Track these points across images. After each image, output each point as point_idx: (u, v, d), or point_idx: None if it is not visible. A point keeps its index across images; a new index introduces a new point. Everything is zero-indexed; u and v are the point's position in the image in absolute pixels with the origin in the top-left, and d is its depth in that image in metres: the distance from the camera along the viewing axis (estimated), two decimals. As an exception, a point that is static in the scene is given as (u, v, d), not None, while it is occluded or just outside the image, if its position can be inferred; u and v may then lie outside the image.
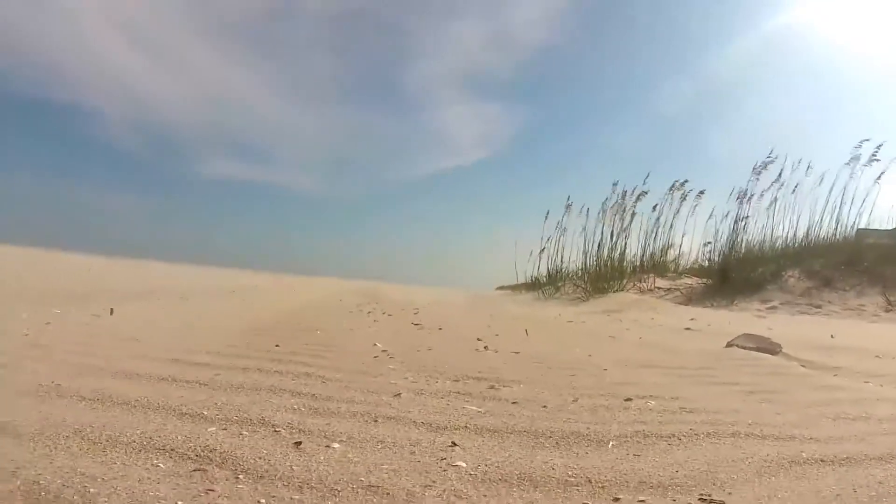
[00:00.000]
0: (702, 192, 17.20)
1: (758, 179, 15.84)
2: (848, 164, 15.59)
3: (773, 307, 12.43)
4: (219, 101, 47.69)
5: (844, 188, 15.83)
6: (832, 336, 8.01)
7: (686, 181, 17.44)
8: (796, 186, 15.99)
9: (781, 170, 15.98)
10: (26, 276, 12.11)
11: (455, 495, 1.80)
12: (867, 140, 15.61)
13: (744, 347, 5.87)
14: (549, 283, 17.10)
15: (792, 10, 32.13)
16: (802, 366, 5.27)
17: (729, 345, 6.09)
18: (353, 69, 45.51)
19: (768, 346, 5.82)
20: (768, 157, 15.87)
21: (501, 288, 20.77)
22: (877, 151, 15.16)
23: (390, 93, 47.47)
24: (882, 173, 15.30)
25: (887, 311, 11.80)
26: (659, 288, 14.97)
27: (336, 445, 2.20)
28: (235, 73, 44.92)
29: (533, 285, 17.83)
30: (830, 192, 16.06)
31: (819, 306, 12.33)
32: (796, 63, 36.85)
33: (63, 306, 6.44)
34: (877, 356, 6.17)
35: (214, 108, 48.55)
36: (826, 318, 11.34)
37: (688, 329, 8.83)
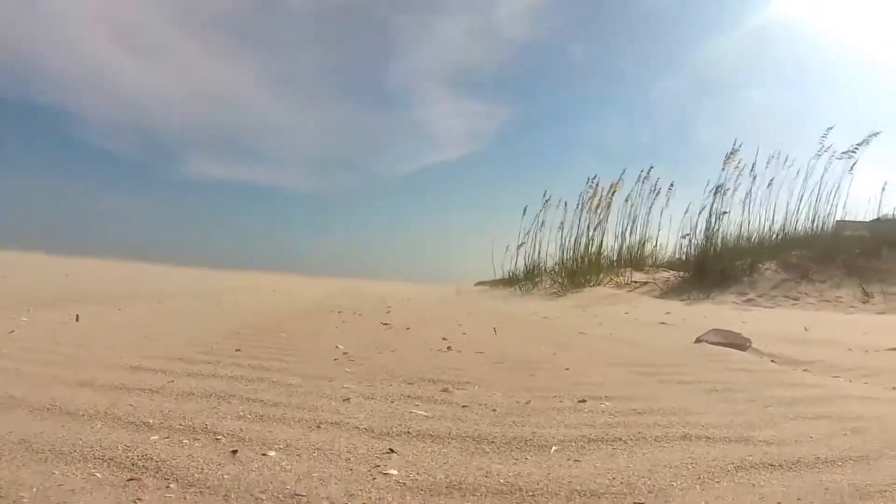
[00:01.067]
0: (672, 185, 17.24)
1: (729, 171, 15.84)
2: (819, 155, 15.65)
3: (750, 300, 12.42)
4: (206, 99, 47.32)
5: (820, 179, 15.89)
6: (806, 329, 7.98)
7: (652, 167, 17.48)
8: (772, 179, 16.05)
9: (757, 163, 16.02)
10: (3, 280, 11.92)
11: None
12: (832, 127, 15.73)
13: (713, 343, 5.80)
14: (526, 279, 17.05)
15: (780, 4, 32.17)
16: (772, 360, 5.22)
17: (698, 340, 6.02)
18: (339, 65, 45.29)
19: (737, 342, 5.76)
20: (734, 147, 15.89)
21: (481, 283, 20.69)
22: (858, 146, 15.22)
23: (375, 89, 47.29)
24: (854, 163, 15.35)
25: (864, 302, 11.81)
26: (636, 282, 14.93)
27: (272, 453, 2.15)
28: (222, 71, 44.57)
29: (511, 281, 17.78)
30: (805, 183, 16.09)
31: (796, 298, 12.33)
32: (783, 56, 36.96)
33: (33, 312, 6.32)
34: (849, 349, 6.12)
35: (201, 107, 48.17)
36: (802, 311, 11.33)
37: (662, 323, 8.79)
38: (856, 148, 15.27)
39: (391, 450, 2.26)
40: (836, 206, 15.92)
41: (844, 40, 31.47)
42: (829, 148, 15.54)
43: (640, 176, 17.51)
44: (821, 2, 31.98)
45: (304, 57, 44.17)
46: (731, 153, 15.78)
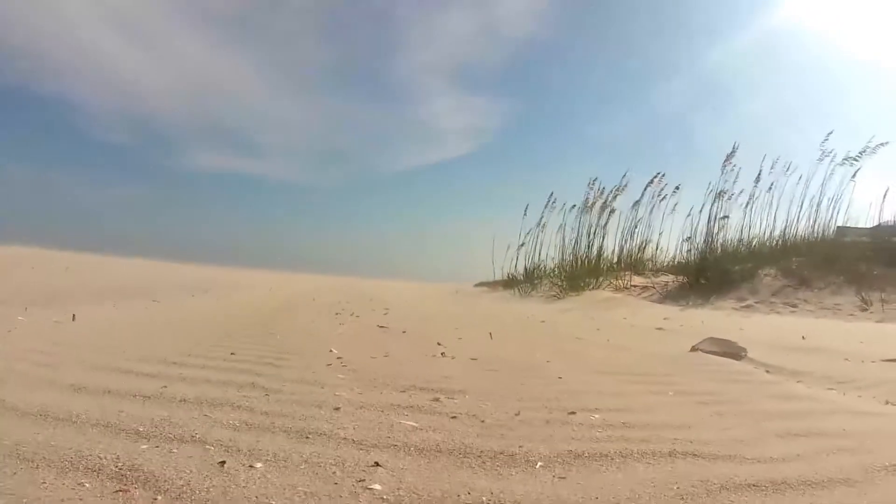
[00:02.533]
0: (677, 187, 17.18)
1: (730, 176, 15.80)
2: (820, 160, 15.61)
3: (749, 306, 12.40)
4: (205, 90, 47.18)
5: (822, 185, 15.86)
6: (803, 337, 7.95)
7: (663, 174, 17.42)
8: (773, 184, 16.00)
9: (758, 167, 15.99)
10: (2, 276, 11.94)
11: None
12: (831, 132, 15.72)
13: (708, 352, 5.79)
14: (526, 281, 17.04)
15: (787, 8, 32.02)
16: (767, 371, 5.21)
17: (693, 349, 6.02)
18: (340, 58, 45.11)
19: (733, 350, 5.75)
20: (732, 150, 15.85)
21: (480, 284, 20.66)
22: (859, 155, 15.17)
23: (377, 83, 47.07)
24: (857, 170, 15.31)
25: (863, 310, 11.78)
26: (635, 286, 14.92)
27: (259, 465, 2.16)
28: (222, 62, 44.42)
29: (510, 282, 17.75)
30: (806, 189, 16.05)
31: (795, 305, 12.30)
32: (789, 62, 36.81)
33: (30, 311, 6.39)
34: (845, 359, 6.10)
35: (202, 99, 48.05)
36: (801, 318, 11.30)
37: (659, 329, 8.78)
38: (859, 155, 15.22)
39: (377, 463, 2.26)
40: (838, 212, 15.89)
41: (850, 47, 31.38)
42: (831, 153, 15.50)
43: (649, 181, 17.44)
44: (827, 9, 31.85)
45: (305, 49, 44.08)
46: (730, 154, 15.75)
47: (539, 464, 2.37)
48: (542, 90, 45.67)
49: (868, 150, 15.20)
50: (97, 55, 39.80)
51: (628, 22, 40.91)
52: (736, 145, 15.91)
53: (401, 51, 45.47)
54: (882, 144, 15.13)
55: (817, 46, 34.40)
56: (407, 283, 26.11)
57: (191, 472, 2.03)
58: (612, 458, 2.46)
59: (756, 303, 12.57)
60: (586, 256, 16.86)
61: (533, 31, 41.33)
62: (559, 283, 15.50)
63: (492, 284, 19.12)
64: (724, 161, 15.73)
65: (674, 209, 17.03)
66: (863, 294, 12.27)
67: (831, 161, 15.54)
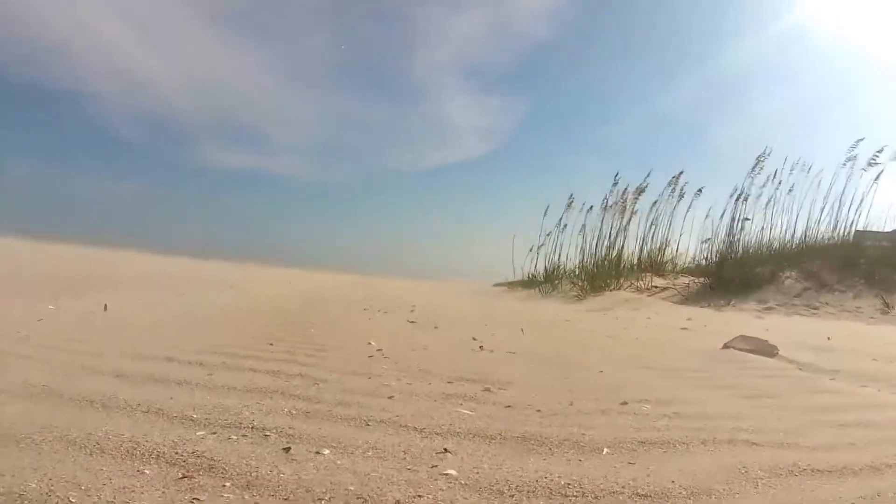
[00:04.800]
0: (700, 190, 17.11)
1: (753, 179, 15.76)
2: (844, 164, 15.52)
3: (770, 308, 12.39)
4: (222, 88, 47.32)
5: (843, 189, 15.78)
6: (828, 338, 7.97)
7: (682, 172, 17.34)
8: (792, 186, 15.91)
9: (779, 170, 15.86)
10: (23, 268, 12.07)
11: None
12: (862, 139, 15.50)
13: (740, 349, 5.84)
14: (546, 281, 17.05)
15: (803, 9, 31.81)
16: (800, 368, 5.24)
17: (725, 346, 6.06)
18: (354, 56, 45.15)
19: (765, 349, 5.79)
20: (762, 154, 15.77)
21: (499, 284, 20.67)
22: (878, 154, 15.08)
23: (391, 81, 47.04)
24: (880, 173, 15.23)
25: (884, 313, 11.77)
26: (656, 287, 14.91)
27: (326, 452, 2.17)
28: (235, 59, 44.54)
29: (530, 282, 17.76)
30: (829, 192, 15.97)
31: (816, 308, 12.30)
32: (805, 62, 36.57)
33: (57, 301, 6.41)
34: (874, 359, 6.13)
35: (217, 96, 48.19)
36: (822, 320, 11.30)
37: (684, 329, 8.81)
38: (876, 157, 15.10)
39: (445, 449, 2.30)
40: (858, 215, 15.81)
41: (866, 47, 31.18)
42: (853, 157, 15.41)
43: (669, 181, 17.35)
44: (843, 9, 31.66)
45: (319, 48, 44.13)
46: (761, 158, 15.67)
47: (605, 450, 2.43)
48: (557, 90, 45.60)
49: (886, 151, 15.08)
50: (112, 51, 40.03)
51: (643, 22, 40.80)
52: (767, 150, 15.84)
53: (415, 50, 45.46)
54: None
55: (836, 47, 34.21)
56: (423, 281, 26.12)
57: (256, 458, 2.01)
58: (675, 445, 2.53)
59: (777, 305, 12.56)
60: (607, 257, 16.85)
61: (548, 31, 41.32)
62: (580, 284, 15.51)
63: (510, 284, 19.13)
64: (754, 165, 15.66)
65: (689, 208, 16.95)
66: (884, 297, 12.26)
67: (853, 164, 15.46)
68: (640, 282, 15.49)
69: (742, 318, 10.90)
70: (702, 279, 14.83)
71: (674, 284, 14.95)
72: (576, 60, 43.87)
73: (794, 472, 2.24)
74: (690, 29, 40.93)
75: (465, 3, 41.15)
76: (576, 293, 14.89)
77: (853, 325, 10.88)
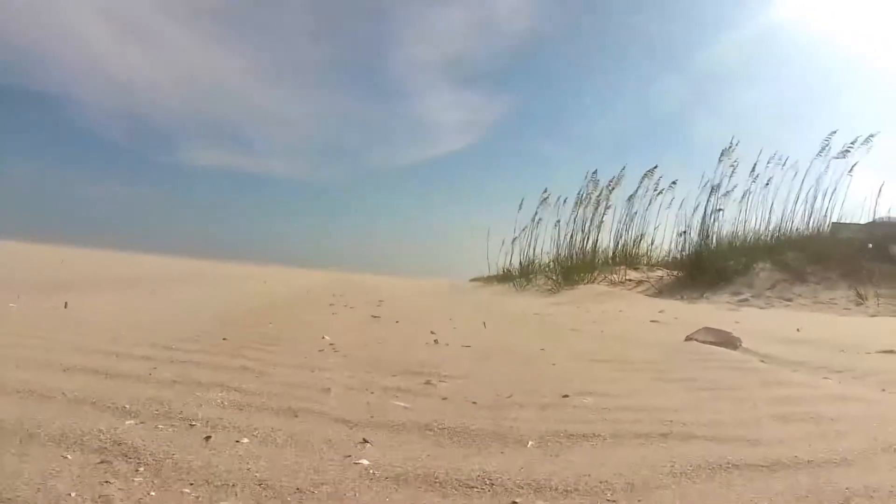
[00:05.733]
0: (674, 182, 17.13)
1: (723, 170, 15.76)
2: (819, 155, 15.55)
3: (744, 300, 12.38)
4: (199, 87, 47.18)
5: (817, 180, 15.81)
6: (798, 330, 7.92)
7: (656, 166, 17.38)
8: (769, 179, 15.96)
9: (755, 163, 15.95)
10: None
11: (344, 493, 1.76)
12: (836, 132, 15.55)
13: (703, 341, 5.75)
14: (521, 275, 17.00)
15: (784, 6, 31.93)
16: (762, 361, 5.16)
17: (688, 339, 5.97)
18: (335, 55, 45.11)
19: (728, 340, 5.71)
20: (729, 146, 15.80)
21: (475, 279, 20.63)
22: (851, 146, 15.13)
23: (373, 79, 47.13)
24: (854, 165, 15.26)
25: (858, 305, 11.77)
26: (630, 280, 14.89)
27: (245, 441, 2.16)
28: (218, 59, 44.50)
29: (506, 277, 17.72)
30: (802, 184, 16.00)
31: (790, 299, 12.29)
32: (784, 58, 36.82)
33: (22, 299, 6.35)
34: (841, 350, 6.07)
35: (197, 95, 48.10)
36: (796, 312, 11.28)
37: (654, 321, 8.73)
38: (850, 146, 15.15)
39: (365, 440, 2.25)
40: (833, 207, 15.85)
41: (845, 44, 31.43)
42: (827, 149, 15.45)
43: (643, 174, 17.41)
44: (823, 7, 31.87)
45: (300, 46, 44.10)
46: (728, 150, 15.70)
47: (530, 443, 2.33)
48: (538, 86, 45.79)
49: (859, 141, 15.13)
50: (93, 53, 39.85)
51: (624, 18, 40.96)
52: (734, 140, 15.87)
53: (396, 46, 45.55)
54: (872, 135, 15.08)
55: (814, 44, 34.47)
56: (402, 278, 26.12)
57: (175, 446, 2.02)
58: (605, 439, 2.42)
59: (751, 297, 12.55)
60: (581, 251, 16.83)
61: (529, 27, 41.42)
62: (554, 278, 15.47)
63: (486, 279, 19.11)
64: (721, 155, 15.68)
65: (670, 204, 17.01)
66: (857, 289, 12.26)
67: (826, 156, 15.49)
68: (615, 275, 15.47)
69: (714, 311, 10.87)
70: (676, 272, 14.81)
71: (648, 278, 14.94)
72: (557, 55, 43.98)
73: (725, 467, 2.12)
74: (671, 25, 41.09)
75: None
76: (549, 287, 14.85)
77: (826, 316, 10.86)
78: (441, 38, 42.36)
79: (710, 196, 15.58)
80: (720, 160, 15.70)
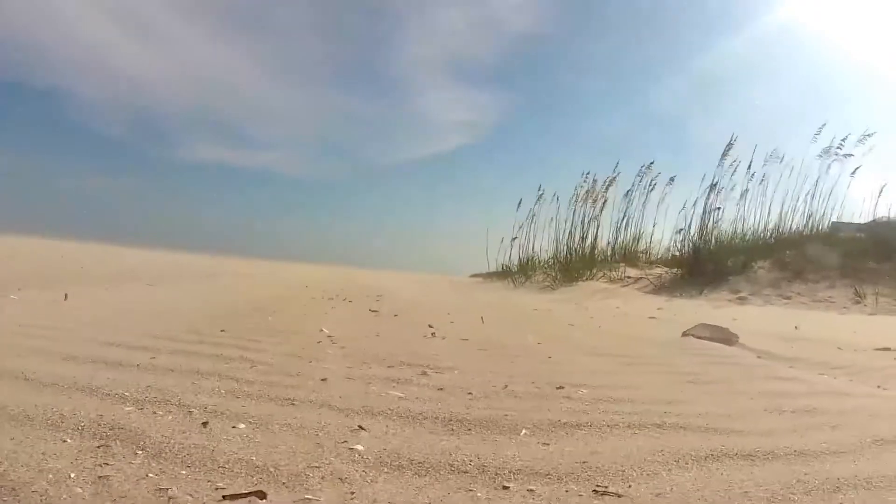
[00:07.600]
0: (672, 179, 17.14)
1: (724, 169, 15.76)
2: (820, 156, 15.55)
3: (743, 298, 12.39)
4: (203, 82, 46.88)
5: (817, 180, 15.81)
6: (796, 327, 7.95)
7: (652, 162, 17.40)
8: (768, 178, 15.95)
9: (751, 160, 15.93)
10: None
11: (339, 477, 1.78)
12: (824, 125, 15.56)
13: (700, 337, 5.77)
14: (519, 272, 17.02)
15: (785, 9, 31.81)
16: (758, 356, 5.17)
17: (685, 334, 5.98)
18: (339, 51, 44.92)
19: (725, 336, 5.72)
20: (731, 141, 15.77)
21: (475, 276, 20.65)
22: (842, 143, 15.15)
23: (375, 76, 46.75)
24: (857, 169, 15.28)
25: (856, 303, 11.78)
26: (629, 277, 14.90)
27: (242, 426, 2.19)
28: (217, 54, 44.16)
29: (504, 274, 17.73)
30: (802, 182, 15.99)
31: (788, 298, 12.30)
32: (785, 60, 36.68)
33: (23, 291, 6.34)
34: (838, 348, 6.10)
35: (198, 90, 47.82)
36: (794, 310, 11.30)
37: (652, 318, 8.77)
38: (842, 144, 15.15)
39: (361, 427, 2.27)
40: (833, 206, 15.86)
41: (847, 47, 31.31)
42: (827, 148, 15.45)
43: (639, 171, 17.43)
44: (825, 9, 31.77)
45: (301, 42, 43.90)
46: (728, 148, 15.68)
47: (524, 431, 2.34)
48: (539, 84, 45.52)
49: (854, 139, 15.15)
50: (93, 47, 39.57)
51: (625, 17, 40.78)
52: (734, 137, 15.84)
53: (397, 44, 45.31)
54: (869, 135, 15.08)
55: (815, 46, 34.34)
56: (402, 274, 26.08)
57: (173, 431, 2.05)
58: (599, 428, 2.44)
59: (750, 295, 12.56)
60: (580, 248, 16.85)
61: (530, 25, 41.14)
62: (553, 275, 15.48)
63: (486, 276, 19.12)
64: (723, 154, 15.66)
65: (663, 199, 17.03)
66: (856, 287, 12.26)
67: (826, 155, 15.49)
68: (614, 272, 15.46)
69: (713, 308, 10.89)
70: (675, 270, 14.81)
71: (647, 275, 14.93)
72: (558, 54, 43.85)
73: (716, 457, 2.13)
74: (674, 24, 40.95)
75: (449, -4, 41.00)
76: (548, 283, 14.86)
77: (825, 314, 10.89)
78: (443, 35, 42.13)
79: (709, 194, 15.59)
80: (722, 158, 15.69)
